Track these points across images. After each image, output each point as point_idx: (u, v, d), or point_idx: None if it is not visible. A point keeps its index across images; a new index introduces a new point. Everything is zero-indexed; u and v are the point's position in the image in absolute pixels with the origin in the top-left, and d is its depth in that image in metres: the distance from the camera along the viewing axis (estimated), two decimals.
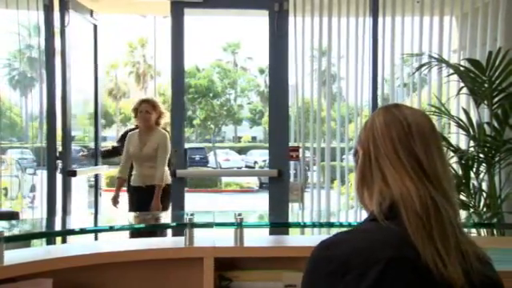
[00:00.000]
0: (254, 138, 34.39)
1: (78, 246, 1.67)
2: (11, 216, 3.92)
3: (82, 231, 1.61)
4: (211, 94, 28.45)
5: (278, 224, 1.94)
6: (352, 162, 3.79)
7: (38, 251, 1.60)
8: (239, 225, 1.64)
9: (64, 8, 4.11)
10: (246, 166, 25.22)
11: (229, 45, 31.41)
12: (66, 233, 1.90)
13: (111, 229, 1.66)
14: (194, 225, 1.64)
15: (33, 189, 5.78)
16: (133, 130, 4.76)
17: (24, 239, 1.58)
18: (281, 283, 1.72)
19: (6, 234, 1.49)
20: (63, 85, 4.17)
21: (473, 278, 1.04)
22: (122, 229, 1.73)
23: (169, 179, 4.43)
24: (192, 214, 1.66)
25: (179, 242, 1.67)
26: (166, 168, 4.46)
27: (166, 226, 1.77)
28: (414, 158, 1.10)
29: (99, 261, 1.56)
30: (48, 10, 4.05)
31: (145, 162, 4.41)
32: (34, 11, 4.04)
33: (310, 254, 1.08)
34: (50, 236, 1.91)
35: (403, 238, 1.02)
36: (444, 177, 1.10)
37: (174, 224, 1.73)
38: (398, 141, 1.12)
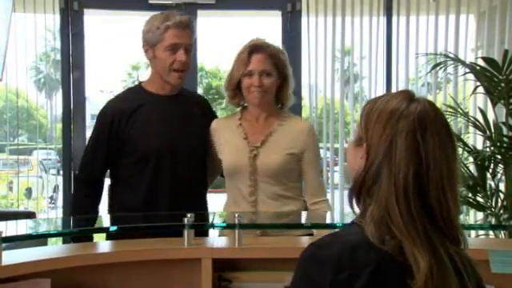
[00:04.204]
0: None
1: (76, 246, 1.70)
2: (28, 216, 4.00)
3: (81, 232, 1.64)
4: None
5: (277, 225, 1.94)
6: None
7: (37, 251, 1.62)
8: (237, 226, 1.64)
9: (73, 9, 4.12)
10: None
11: None
12: (64, 233, 1.93)
13: (110, 230, 1.68)
14: (192, 225, 1.65)
15: (56, 189, 5.88)
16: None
17: (22, 239, 1.61)
18: (281, 284, 1.71)
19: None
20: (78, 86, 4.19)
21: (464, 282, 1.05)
22: (119, 230, 1.75)
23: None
24: (191, 215, 1.66)
25: (178, 242, 1.67)
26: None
27: (165, 227, 1.78)
28: (425, 207, 1.03)
29: (96, 261, 1.58)
30: (64, 13, 4.10)
31: (265, 183, 2.11)
32: (57, 15, 4.10)
33: (300, 255, 1.08)
34: (47, 237, 1.94)
35: None
36: (456, 217, 1.05)
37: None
38: (412, 181, 1.02)
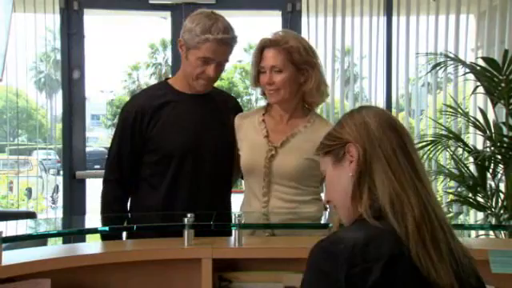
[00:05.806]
0: None
1: (76, 246, 1.70)
2: (28, 216, 4.00)
3: (79, 232, 1.64)
4: (232, 95, 28.56)
5: (278, 225, 1.94)
6: None
7: (37, 251, 1.63)
8: (238, 225, 1.64)
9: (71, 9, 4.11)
10: None
11: (250, 46, 31.42)
12: (64, 233, 1.93)
13: (109, 230, 1.69)
14: (192, 226, 1.65)
15: (56, 189, 5.89)
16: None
17: (22, 239, 1.61)
18: (281, 284, 1.71)
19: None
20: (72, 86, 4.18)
21: (463, 281, 1.08)
22: (119, 230, 1.75)
23: None
24: (191, 215, 1.66)
25: (178, 242, 1.68)
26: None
27: (165, 227, 1.78)
28: (409, 162, 1.13)
29: (96, 261, 1.58)
30: (64, 13, 4.10)
31: (280, 185, 2.01)
32: (57, 15, 4.10)
33: (311, 252, 1.10)
34: (47, 237, 1.94)
35: (396, 238, 1.06)
36: (427, 177, 1.14)
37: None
38: (397, 144, 1.14)
